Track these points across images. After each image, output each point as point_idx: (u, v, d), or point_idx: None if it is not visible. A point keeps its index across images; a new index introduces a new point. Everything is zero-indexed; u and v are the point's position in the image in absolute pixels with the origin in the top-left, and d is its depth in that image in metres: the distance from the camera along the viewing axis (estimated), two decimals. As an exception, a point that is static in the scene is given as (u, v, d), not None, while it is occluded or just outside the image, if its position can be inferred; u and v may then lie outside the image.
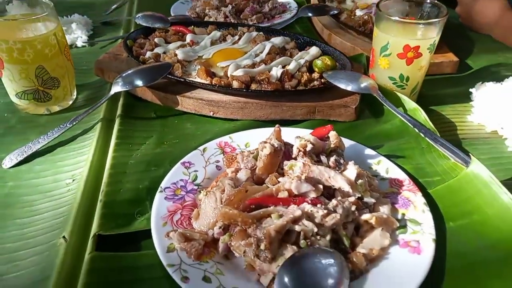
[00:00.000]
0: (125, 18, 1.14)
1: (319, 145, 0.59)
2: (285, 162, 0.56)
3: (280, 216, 0.48)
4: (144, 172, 0.62)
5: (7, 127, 0.73)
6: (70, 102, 0.80)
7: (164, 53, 0.84)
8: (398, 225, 0.52)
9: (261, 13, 1.13)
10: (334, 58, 0.84)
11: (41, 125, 0.74)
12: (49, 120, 0.76)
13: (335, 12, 1.06)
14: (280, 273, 0.43)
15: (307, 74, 0.79)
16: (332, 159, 0.58)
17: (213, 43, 0.91)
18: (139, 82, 0.74)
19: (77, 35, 1.02)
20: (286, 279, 0.42)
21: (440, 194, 0.59)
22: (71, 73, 0.78)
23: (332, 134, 0.60)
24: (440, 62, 0.92)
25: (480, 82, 0.82)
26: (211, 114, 0.76)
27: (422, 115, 0.72)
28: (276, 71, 0.78)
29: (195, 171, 0.60)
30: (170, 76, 0.76)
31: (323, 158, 0.58)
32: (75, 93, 0.81)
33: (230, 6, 1.12)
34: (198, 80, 0.78)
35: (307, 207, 0.49)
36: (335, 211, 0.50)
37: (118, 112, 0.76)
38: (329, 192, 0.54)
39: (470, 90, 0.81)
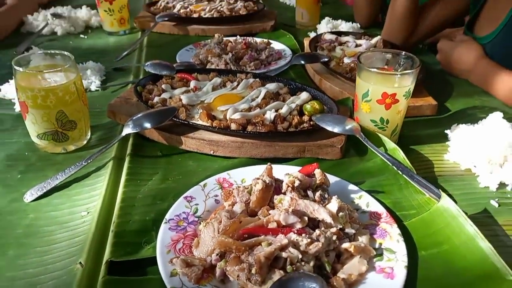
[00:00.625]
0: (134, 65, 1.25)
1: (306, 181, 0.67)
2: (275, 196, 0.64)
3: (270, 244, 0.55)
4: (151, 205, 0.70)
5: (28, 164, 0.82)
6: (85, 142, 0.88)
7: (170, 98, 0.94)
8: (375, 253, 0.59)
9: (258, 60, 1.24)
10: (322, 102, 0.93)
11: (58, 162, 0.83)
12: (65, 158, 0.84)
13: (325, 59, 1.16)
14: (268, 294, 0.50)
15: (298, 117, 0.89)
16: (318, 194, 0.65)
17: (214, 88, 1.00)
18: (147, 125, 0.83)
19: (91, 80, 1.13)
20: (273, 299, 0.49)
21: (414, 226, 0.66)
22: (86, 116, 0.87)
23: (317, 172, 0.68)
24: (420, 105, 1.01)
25: (456, 124, 0.91)
26: (211, 152, 0.84)
27: (400, 155, 0.80)
28: (270, 115, 0.87)
29: (196, 204, 0.68)
30: (175, 119, 0.85)
31: (309, 193, 0.66)
32: (89, 133, 0.90)
33: (230, 54, 1.23)
34: (200, 122, 0.87)
35: (293, 236, 0.56)
36: (318, 240, 0.57)
37: (128, 151, 0.84)
38: (313, 223, 0.61)
39: (446, 131, 0.90)
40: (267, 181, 0.64)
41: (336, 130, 0.83)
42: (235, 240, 0.56)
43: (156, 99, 0.93)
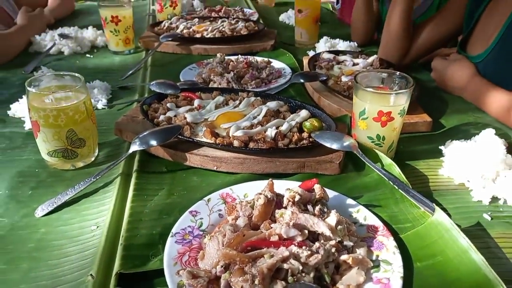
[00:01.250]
0: (139, 84, 1.30)
1: (306, 196, 0.70)
2: (277, 211, 0.67)
3: (272, 256, 0.58)
4: (157, 220, 0.73)
5: (38, 181, 0.85)
6: (93, 159, 0.92)
7: (175, 116, 0.97)
8: (372, 264, 0.62)
9: (259, 79, 1.29)
10: (321, 120, 0.97)
11: (68, 179, 0.86)
12: (74, 175, 0.87)
13: (324, 78, 1.21)
14: (271, 304, 0.52)
15: (298, 134, 0.92)
16: (317, 208, 0.68)
17: (217, 106, 1.04)
18: (153, 142, 0.86)
19: (98, 99, 1.17)
20: (275, 308, 0.51)
21: (410, 239, 0.69)
22: (95, 134, 0.91)
23: (317, 187, 0.72)
24: (416, 122, 1.05)
25: (450, 140, 0.94)
26: (215, 168, 0.87)
27: (396, 170, 0.83)
28: (271, 132, 0.91)
29: (200, 218, 0.71)
30: (180, 137, 0.89)
31: (309, 207, 0.69)
32: (97, 150, 0.93)
33: (232, 73, 1.28)
34: (204, 139, 0.90)
35: (294, 248, 0.59)
36: (318, 252, 0.59)
37: (135, 167, 0.87)
38: (313, 236, 0.64)
39: (440, 147, 0.93)
40: (269, 196, 0.67)
41: (334, 146, 0.86)
42: (239, 252, 0.59)
43: (161, 117, 0.97)
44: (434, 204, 0.73)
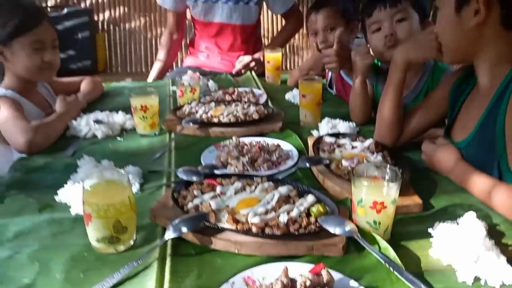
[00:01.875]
0: (166, 169, 1.48)
1: (315, 280, 0.85)
2: (292, 295, 0.82)
3: (289, 336, 0.72)
4: (191, 301, 0.87)
5: (88, 264, 1.00)
6: (132, 243, 1.08)
7: (201, 203, 1.14)
8: None
9: (270, 161, 1.48)
10: (326, 204, 1.13)
11: (112, 262, 1.01)
12: (117, 258, 1.02)
13: (327, 162, 1.39)
14: None
15: (306, 218, 1.08)
16: (325, 290, 0.83)
17: (236, 192, 1.22)
18: (184, 229, 1.03)
19: (132, 184, 1.35)
20: None
21: (403, 317, 0.82)
22: (135, 221, 1.07)
23: (324, 272, 0.86)
24: (408, 204, 1.21)
25: (438, 222, 1.09)
26: (236, 251, 1.03)
27: (391, 253, 0.98)
28: (283, 218, 1.07)
29: (228, 300, 0.85)
30: (206, 223, 1.05)
31: (318, 290, 0.84)
32: (135, 235, 1.09)
33: (246, 157, 1.47)
34: (227, 226, 1.06)
35: (307, 329, 0.73)
36: (326, 332, 0.73)
37: (168, 251, 1.03)
38: (322, 317, 0.78)
39: (429, 229, 1.08)
40: (285, 282, 0.82)
41: (337, 232, 1.02)
42: (262, 333, 0.73)
43: (190, 204, 1.14)
44: (424, 285, 0.87)
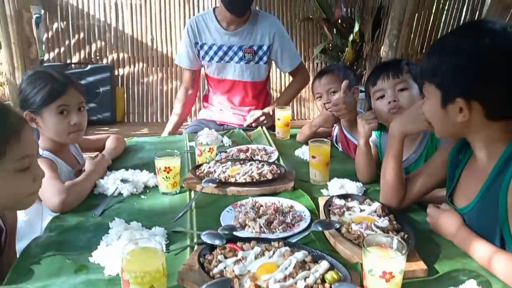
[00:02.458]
0: (189, 231, 1.60)
1: None
2: None
3: None
4: None
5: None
6: (162, 303, 1.18)
7: (225, 268, 1.26)
8: None
9: (285, 223, 1.60)
10: (338, 271, 1.24)
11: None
12: (150, 320, 1.13)
13: (337, 226, 1.50)
14: None
15: (321, 285, 1.19)
16: None
17: (256, 257, 1.33)
18: (212, 295, 1.14)
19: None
20: None
21: None
22: (165, 284, 1.19)
23: None
24: (414, 270, 1.31)
25: (441, 288, 1.20)
26: (258, 316, 1.13)
27: (400, 320, 1.08)
28: (301, 284, 1.18)
29: None
30: (231, 289, 1.17)
31: None
32: (166, 295, 1.20)
33: (263, 219, 1.59)
34: (249, 292, 1.17)
35: None
36: None
37: (197, 315, 1.13)
38: None
39: (432, 298, 1.18)
40: None
41: (350, 299, 1.13)
42: None
43: (215, 269, 1.25)
44: None
